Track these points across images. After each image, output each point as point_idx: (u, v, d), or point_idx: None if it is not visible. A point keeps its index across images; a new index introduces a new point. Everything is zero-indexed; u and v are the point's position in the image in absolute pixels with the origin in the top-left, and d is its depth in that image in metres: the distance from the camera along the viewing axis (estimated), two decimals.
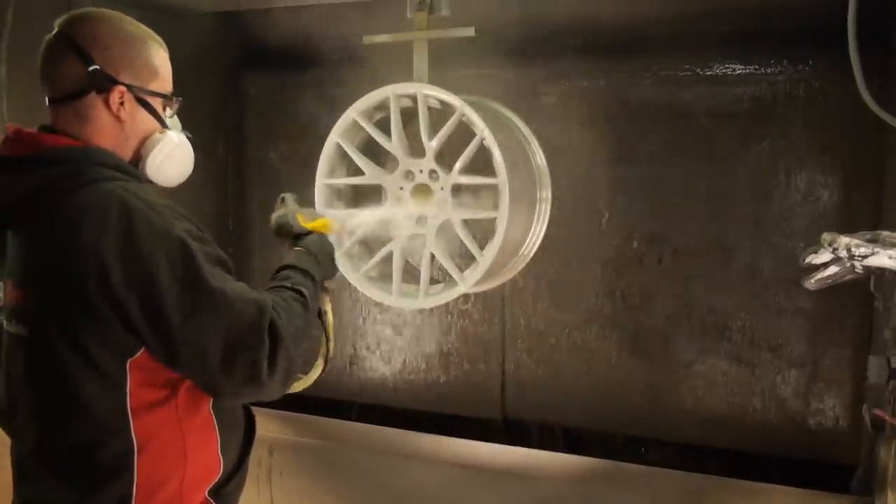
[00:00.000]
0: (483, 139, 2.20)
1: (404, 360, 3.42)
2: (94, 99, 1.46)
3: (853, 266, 1.79)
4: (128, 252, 1.34)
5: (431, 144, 2.23)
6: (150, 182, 1.57)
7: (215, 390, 1.45)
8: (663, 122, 2.90)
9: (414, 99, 2.23)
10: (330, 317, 1.85)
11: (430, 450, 3.00)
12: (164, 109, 1.57)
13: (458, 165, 2.24)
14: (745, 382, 2.89)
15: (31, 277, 1.42)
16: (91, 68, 1.45)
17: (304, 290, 1.59)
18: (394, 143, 2.25)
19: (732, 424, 2.90)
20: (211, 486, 1.54)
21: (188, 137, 1.62)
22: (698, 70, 2.86)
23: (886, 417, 2.07)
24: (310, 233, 1.80)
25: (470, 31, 2.23)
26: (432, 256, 2.28)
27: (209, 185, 3.48)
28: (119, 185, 1.41)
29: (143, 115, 1.52)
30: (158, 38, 1.56)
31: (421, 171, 2.24)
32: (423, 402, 3.37)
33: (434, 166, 2.25)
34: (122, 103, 1.48)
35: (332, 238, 1.85)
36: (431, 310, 3.30)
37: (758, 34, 2.65)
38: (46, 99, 1.50)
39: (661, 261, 2.96)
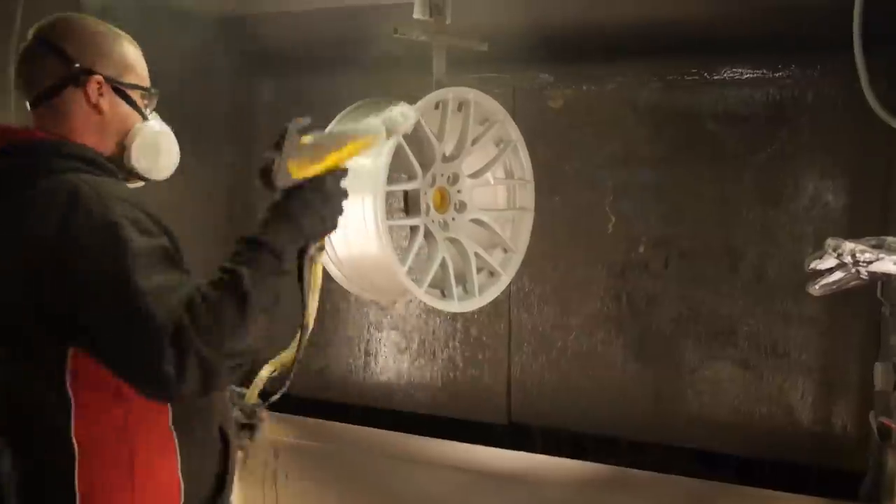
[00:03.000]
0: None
1: (410, 364, 3.42)
2: (72, 92, 1.49)
3: (858, 272, 1.78)
4: (63, 238, 1.32)
5: (469, 148, 2.24)
6: (139, 177, 1.58)
7: (137, 389, 1.35)
8: (670, 126, 2.89)
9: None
10: (315, 286, 1.53)
11: (435, 454, 3.00)
12: (145, 105, 1.58)
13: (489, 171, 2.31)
14: (751, 388, 2.87)
15: None
16: (67, 63, 1.47)
17: (242, 270, 1.34)
18: (442, 145, 2.20)
19: (739, 430, 2.88)
20: None
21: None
22: (706, 74, 2.85)
23: (893, 426, 2.05)
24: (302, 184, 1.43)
25: (483, 46, 2.32)
26: (476, 255, 2.29)
27: (218, 191, 3.49)
28: (79, 176, 1.41)
29: (123, 106, 1.54)
30: (129, 37, 1.59)
31: (442, 175, 2.24)
32: (428, 406, 3.36)
33: (460, 170, 2.25)
34: (101, 94, 1.50)
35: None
36: (437, 314, 3.30)
37: (765, 38, 2.64)
38: (28, 104, 1.52)
39: (667, 265, 2.95)
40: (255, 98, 3.61)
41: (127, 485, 1.43)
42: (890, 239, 1.79)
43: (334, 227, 1.49)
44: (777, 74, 2.75)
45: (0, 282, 1.38)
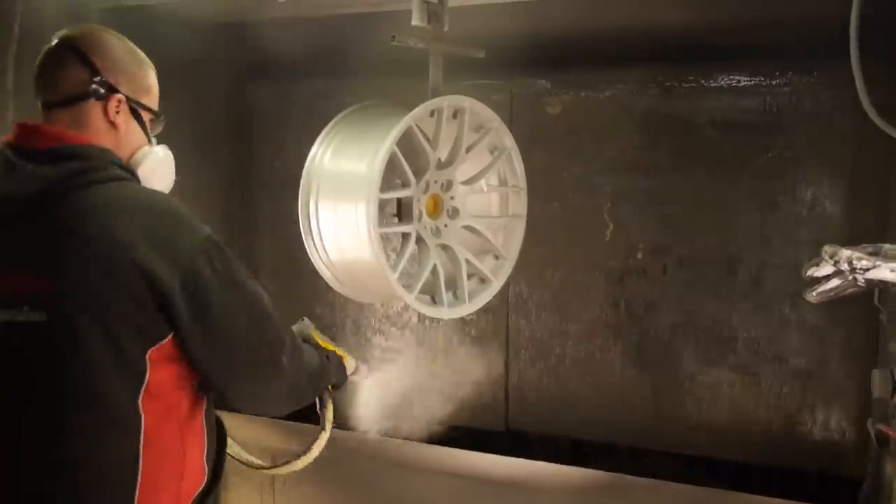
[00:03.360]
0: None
1: (407, 371, 3.41)
2: (93, 105, 1.53)
3: (855, 279, 1.78)
4: (164, 241, 1.41)
5: (463, 156, 2.24)
6: None
7: (227, 384, 1.55)
8: (668, 133, 2.90)
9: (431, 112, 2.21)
10: (329, 413, 1.99)
11: (433, 460, 2.99)
12: (151, 128, 1.64)
13: (483, 178, 2.32)
14: (750, 394, 2.87)
15: (55, 264, 1.42)
16: (94, 76, 1.51)
17: (319, 354, 1.85)
18: (437, 153, 2.20)
19: (737, 436, 2.89)
20: (195, 496, 1.56)
21: None
22: (703, 81, 2.86)
23: (891, 433, 2.05)
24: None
25: (480, 53, 2.33)
26: (467, 261, 2.28)
27: (215, 195, 3.49)
28: (136, 185, 1.54)
29: (135, 126, 1.59)
30: (152, 63, 1.65)
31: (436, 182, 2.23)
32: (426, 412, 3.36)
33: (453, 177, 2.25)
34: (118, 111, 1.54)
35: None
36: (435, 319, 3.30)
37: (762, 46, 2.64)
38: (41, 104, 1.55)
39: (665, 271, 2.95)
40: (252, 102, 3.62)
41: (176, 476, 1.51)
42: (887, 246, 1.79)
43: (340, 378, 2.01)
44: (774, 82, 2.76)
45: (85, 279, 1.40)
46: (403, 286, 2.11)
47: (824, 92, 2.68)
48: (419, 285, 2.16)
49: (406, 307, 3.37)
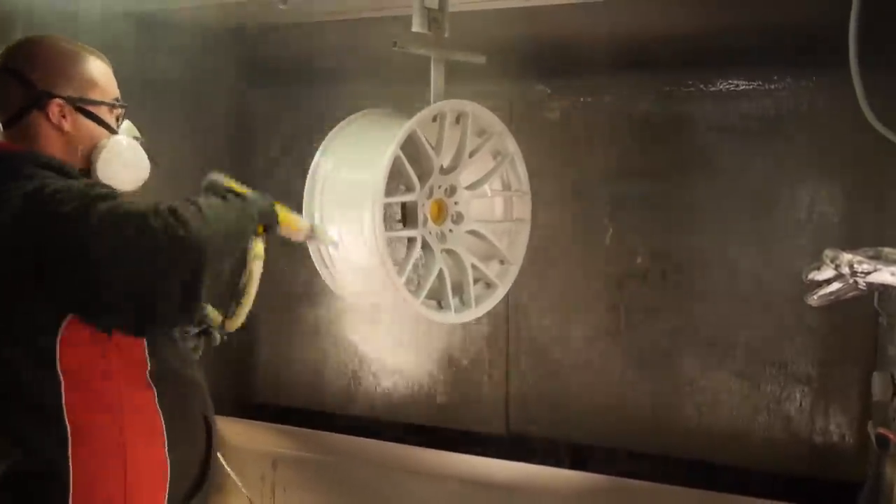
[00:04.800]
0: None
1: (408, 375, 3.42)
2: (36, 116, 1.54)
3: (856, 283, 1.79)
4: (40, 206, 1.39)
5: (466, 160, 2.25)
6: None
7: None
8: (667, 137, 2.91)
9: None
10: (256, 265, 1.74)
11: (434, 465, 2.99)
12: (116, 119, 1.63)
13: (486, 183, 2.32)
14: (750, 399, 2.87)
15: None
16: (28, 88, 1.52)
17: (224, 195, 1.60)
18: (440, 157, 2.22)
19: (737, 441, 2.89)
20: (170, 494, 1.53)
21: (138, 140, 1.67)
22: (702, 86, 2.87)
23: (891, 436, 2.05)
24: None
25: (481, 59, 2.35)
26: (473, 266, 2.29)
27: None
28: (49, 179, 1.46)
29: (87, 123, 1.58)
30: (96, 51, 1.63)
31: (440, 187, 2.24)
32: (427, 417, 3.36)
33: (457, 182, 2.26)
34: (63, 115, 1.54)
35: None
36: (436, 325, 3.30)
37: (761, 50, 2.66)
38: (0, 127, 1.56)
39: (665, 276, 2.95)
40: (253, 108, 3.62)
41: (120, 469, 1.47)
42: (887, 250, 1.80)
43: (271, 215, 1.74)
44: (773, 86, 2.77)
45: None
46: (409, 291, 2.12)
47: (823, 97, 2.69)
48: (425, 290, 2.17)
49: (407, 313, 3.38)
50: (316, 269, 2.22)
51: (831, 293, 1.87)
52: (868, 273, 1.76)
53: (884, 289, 1.85)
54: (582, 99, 3.04)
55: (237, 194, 1.64)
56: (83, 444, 1.44)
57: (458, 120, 2.22)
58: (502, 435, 3.24)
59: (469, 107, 2.21)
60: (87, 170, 1.58)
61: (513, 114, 2.98)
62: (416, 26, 2.15)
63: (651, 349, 2.99)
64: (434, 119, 2.16)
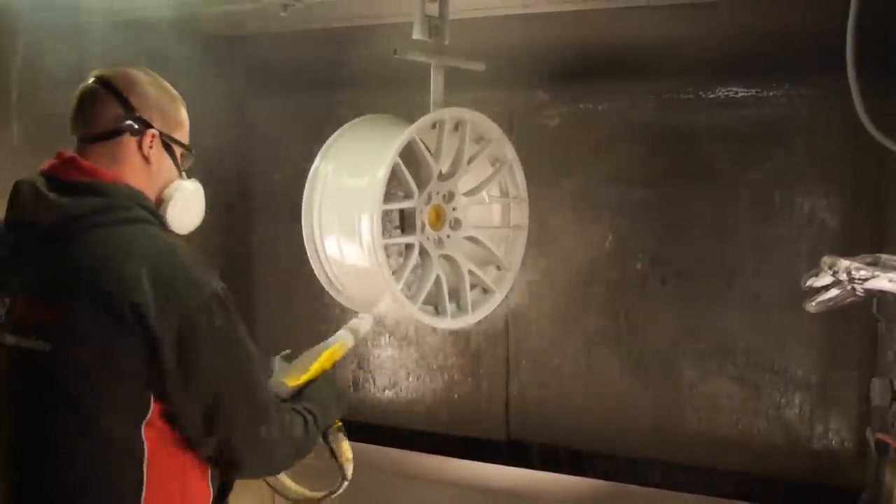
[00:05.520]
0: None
1: (409, 381, 3.42)
2: (128, 140, 1.58)
3: (854, 289, 1.79)
4: (168, 290, 1.43)
5: (465, 167, 2.25)
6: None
7: (201, 441, 1.52)
8: (666, 144, 2.91)
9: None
10: (346, 451, 1.91)
11: (434, 471, 3.00)
12: (182, 162, 1.69)
13: (484, 190, 2.33)
14: (749, 404, 2.88)
15: (65, 298, 1.46)
16: (129, 112, 1.57)
17: (307, 416, 1.70)
18: (439, 164, 2.22)
19: (737, 447, 2.89)
20: None
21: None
22: (700, 93, 2.88)
23: (890, 442, 2.06)
24: (304, 386, 1.80)
25: (481, 67, 2.37)
26: (470, 272, 2.30)
27: (215, 208, 3.49)
28: (156, 230, 1.55)
29: (168, 161, 1.64)
30: (183, 100, 1.70)
31: (438, 193, 2.25)
32: (427, 423, 3.37)
33: (455, 188, 2.27)
34: (151, 146, 1.59)
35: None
36: (436, 330, 3.31)
37: (759, 58, 2.67)
38: (77, 138, 1.59)
39: (664, 283, 2.96)
40: (252, 115, 3.63)
41: (179, 495, 1.53)
42: (885, 256, 1.80)
43: (341, 410, 1.86)
44: (771, 94, 2.78)
45: (93, 314, 1.44)
46: (407, 297, 2.13)
47: (821, 103, 2.69)
48: (422, 296, 2.17)
49: (406, 320, 3.38)
50: (316, 277, 2.22)
51: (830, 300, 1.87)
52: (866, 279, 1.76)
53: (882, 295, 1.85)
54: (581, 106, 3.05)
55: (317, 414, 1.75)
56: (154, 468, 1.48)
57: (456, 127, 2.23)
58: (502, 441, 3.25)
59: (468, 114, 2.21)
60: (156, 205, 1.63)
61: (512, 120, 2.99)
62: (417, 34, 2.16)
63: (651, 355, 3.00)
64: (433, 126, 2.17)
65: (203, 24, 2.97)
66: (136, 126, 1.57)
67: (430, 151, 2.16)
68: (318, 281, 2.22)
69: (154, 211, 1.59)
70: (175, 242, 1.54)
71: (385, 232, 2.09)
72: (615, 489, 2.78)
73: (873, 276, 1.76)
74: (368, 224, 2.00)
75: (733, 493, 2.76)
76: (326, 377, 1.83)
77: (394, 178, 2.07)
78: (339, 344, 1.88)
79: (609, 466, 3.01)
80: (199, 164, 1.74)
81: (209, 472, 1.59)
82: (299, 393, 1.76)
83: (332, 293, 2.24)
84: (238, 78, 3.49)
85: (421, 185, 2.17)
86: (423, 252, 2.21)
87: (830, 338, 2.75)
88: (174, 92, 1.68)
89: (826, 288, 1.86)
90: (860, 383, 2.69)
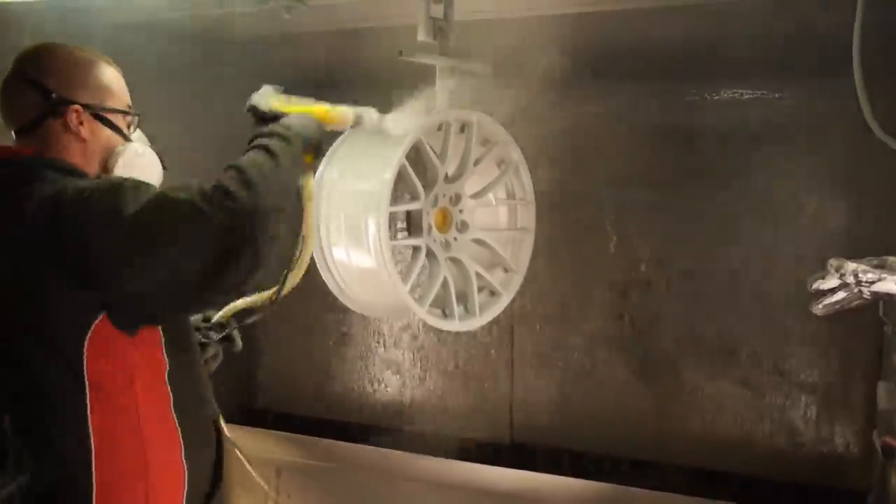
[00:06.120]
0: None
1: (412, 384, 3.42)
2: (53, 123, 1.55)
3: (860, 292, 1.79)
4: (68, 205, 1.41)
5: (471, 169, 2.25)
6: None
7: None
8: (671, 146, 2.91)
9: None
10: (308, 207, 1.72)
11: (437, 473, 2.99)
12: (128, 126, 1.64)
13: (491, 192, 2.33)
14: (754, 407, 2.87)
15: None
16: (46, 96, 1.53)
17: (267, 143, 1.55)
18: (445, 166, 2.21)
19: (741, 449, 2.89)
20: (187, 500, 1.55)
21: (153, 148, 1.69)
22: (706, 94, 2.87)
23: None
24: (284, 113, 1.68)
25: (487, 70, 2.36)
26: (477, 275, 2.29)
27: None
28: (71, 181, 1.49)
29: (104, 131, 1.59)
30: (108, 58, 1.64)
31: (444, 195, 2.25)
32: (430, 424, 3.36)
33: (462, 191, 2.26)
34: (80, 122, 1.56)
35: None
36: (439, 333, 3.31)
37: (765, 59, 2.67)
38: (13, 133, 1.58)
39: (669, 284, 2.96)
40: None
41: (142, 474, 1.48)
42: (892, 259, 1.80)
43: (318, 143, 1.69)
44: (776, 95, 2.77)
45: (7, 272, 1.44)
46: (414, 300, 2.12)
47: (827, 105, 2.69)
48: (430, 299, 2.17)
49: (409, 322, 3.38)
50: (321, 279, 2.22)
51: (836, 302, 1.86)
52: (873, 282, 1.76)
53: (888, 298, 1.84)
54: (587, 107, 3.05)
55: (279, 133, 1.60)
56: (106, 456, 1.45)
57: (462, 129, 2.23)
58: (506, 443, 3.24)
59: (474, 116, 2.21)
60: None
61: (517, 122, 2.99)
62: (422, 35, 2.16)
63: (655, 357, 3.00)
64: (439, 128, 2.17)
65: (209, 26, 2.97)
66: (57, 107, 1.53)
67: (435, 153, 2.16)
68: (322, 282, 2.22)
69: (74, 170, 1.54)
70: (73, 180, 1.49)
71: (391, 234, 2.08)
72: (619, 492, 2.77)
73: (880, 279, 1.76)
74: (375, 226, 1.99)
75: (738, 497, 2.75)
76: (306, 115, 1.70)
77: (400, 180, 2.06)
78: (337, 111, 1.77)
79: (613, 469, 3.00)
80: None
81: (181, 447, 1.54)
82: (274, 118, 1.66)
83: (340, 297, 2.23)
84: (240, 80, 3.48)
85: (427, 187, 2.17)
86: (430, 254, 2.20)
87: (836, 340, 2.75)
88: (95, 56, 1.61)
89: (833, 291, 1.86)
90: (866, 386, 2.69)
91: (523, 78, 2.93)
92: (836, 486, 2.75)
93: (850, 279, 1.79)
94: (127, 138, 1.63)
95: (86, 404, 1.43)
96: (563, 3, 2.60)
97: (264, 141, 1.57)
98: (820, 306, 1.91)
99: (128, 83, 1.68)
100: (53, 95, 1.53)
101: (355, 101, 1.90)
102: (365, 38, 2.93)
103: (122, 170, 1.58)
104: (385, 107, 2.31)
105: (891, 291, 1.77)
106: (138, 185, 1.45)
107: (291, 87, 3.51)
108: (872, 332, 2.60)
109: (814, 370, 2.79)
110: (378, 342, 3.46)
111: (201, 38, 3.05)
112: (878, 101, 1.92)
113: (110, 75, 1.62)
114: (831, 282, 1.84)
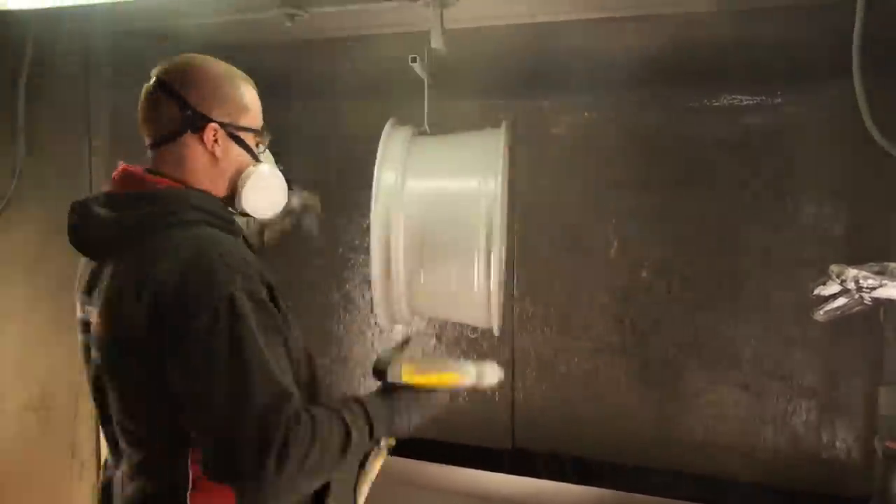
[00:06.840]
0: None
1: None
2: (189, 138, 1.54)
3: (861, 298, 1.80)
4: (182, 290, 1.37)
5: None
6: (246, 215, 1.63)
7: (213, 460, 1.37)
8: (672, 151, 2.92)
9: None
10: (371, 474, 1.76)
11: (438, 479, 2.99)
12: (257, 144, 1.63)
13: None
14: (755, 413, 2.87)
15: (108, 306, 1.46)
16: (184, 110, 1.52)
17: (353, 430, 1.48)
18: None
19: (743, 455, 2.88)
20: None
21: (280, 170, 1.68)
22: (706, 101, 2.88)
23: None
24: (408, 387, 1.64)
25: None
26: None
27: None
28: (205, 230, 1.47)
29: (236, 150, 1.59)
30: (245, 76, 1.62)
31: None
32: (432, 431, 3.35)
33: None
34: (215, 140, 1.55)
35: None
36: (439, 338, 3.30)
37: (765, 65, 2.67)
38: (147, 144, 1.57)
39: (670, 290, 2.96)
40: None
41: None
42: (892, 265, 1.80)
43: (410, 433, 1.64)
44: (776, 101, 2.78)
45: (124, 322, 1.43)
46: None
47: (827, 110, 2.69)
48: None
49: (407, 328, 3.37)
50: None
51: (837, 308, 1.87)
52: (874, 288, 1.77)
53: (889, 304, 1.85)
54: (587, 114, 3.05)
55: (378, 427, 1.54)
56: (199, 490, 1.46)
57: None
58: (508, 449, 3.24)
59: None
60: (231, 196, 1.60)
61: (518, 128, 2.99)
62: (435, 42, 2.15)
63: (656, 363, 2.99)
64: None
65: (212, 33, 2.97)
66: (196, 123, 1.52)
67: None
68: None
69: (213, 211, 1.52)
70: (212, 243, 1.44)
71: None
72: (620, 498, 2.77)
73: (881, 285, 1.77)
74: (485, 238, 1.89)
75: (739, 502, 2.75)
76: (440, 396, 1.67)
77: None
78: (463, 376, 1.69)
79: (615, 475, 2.99)
80: None
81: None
82: (406, 388, 1.62)
83: (387, 320, 2.14)
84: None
85: None
86: None
87: (837, 346, 2.75)
88: (235, 73, 1.60)
89: (834, 297, 1.87)
90: (867, 392, 2.69)
91: (522, 84, 2.94)
92: (837, 492, 2.74)
93: (852, 285, 1.80)
94: (257, 158, 1.62)
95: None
96: (565, 11, 2.61)
97: (359, 425, 1.50)
98: (822, 312, 1.92)
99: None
100: (193, 111, 1.52)
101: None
102: (363, 45, 2.93)
103: (248, 192, 1.58)
104: (382, 115, 2.32)
105: (892, 297, 1.78)
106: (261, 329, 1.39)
107: (289, 95, 3.51)
108: (874, 337, 2.60)
109: (815, 375, 2.79)
110: (378, 346, 3.46)
111: (204, 44, 3.06)
112: (877, 105, 1.92)
113: (248, 93, 1.60)
114: (832, 288, 1.85)
